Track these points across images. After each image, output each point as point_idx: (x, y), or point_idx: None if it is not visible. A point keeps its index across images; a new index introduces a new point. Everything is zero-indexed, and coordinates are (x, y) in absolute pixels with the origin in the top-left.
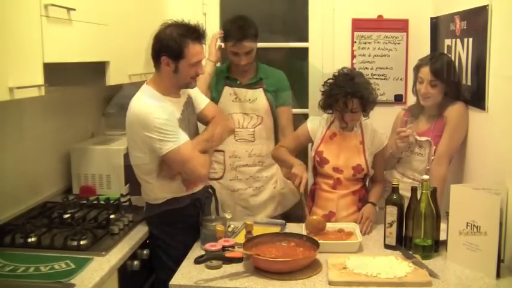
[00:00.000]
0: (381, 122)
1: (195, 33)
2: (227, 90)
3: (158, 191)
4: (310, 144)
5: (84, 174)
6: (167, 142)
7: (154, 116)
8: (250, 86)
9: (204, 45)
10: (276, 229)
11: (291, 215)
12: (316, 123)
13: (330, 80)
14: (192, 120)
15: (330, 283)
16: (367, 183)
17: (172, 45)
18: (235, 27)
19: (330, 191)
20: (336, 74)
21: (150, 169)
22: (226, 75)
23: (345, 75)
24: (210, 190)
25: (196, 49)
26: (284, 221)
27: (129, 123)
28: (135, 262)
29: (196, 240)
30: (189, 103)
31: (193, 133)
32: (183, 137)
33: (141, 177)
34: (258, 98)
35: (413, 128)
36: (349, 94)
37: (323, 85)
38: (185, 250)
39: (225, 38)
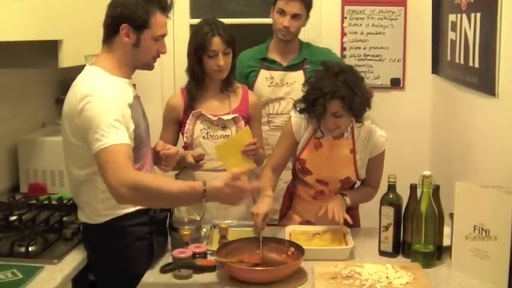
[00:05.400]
0: (374, 110)
1: (162, 2)
2: (263, 74)
3: (100, 204)
4: None
5: (33, 170)
6: (103, 137)
7: (109, 107)
8: (291, 68)
9: (169, 20)
10: (249, 232)
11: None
12: (304, 119)
13: (312, 79)
14: (146, 121)
15: None
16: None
17: (136, 11)
18: None
19: (310, 202)
20: (320, 68)
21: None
22: (264, 56)
23: (326, 71)
24: None
25: (163, 20)
26: None
27: (71, 110)
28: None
29: (149, 268)
30: (139, 100)
31: (146, 130)
32: (122, 137)
33: (80, 186)
34: (297, 81)
35: None
36: (327, 95)
37: (303, 84)
38: (134, 281)
39: None
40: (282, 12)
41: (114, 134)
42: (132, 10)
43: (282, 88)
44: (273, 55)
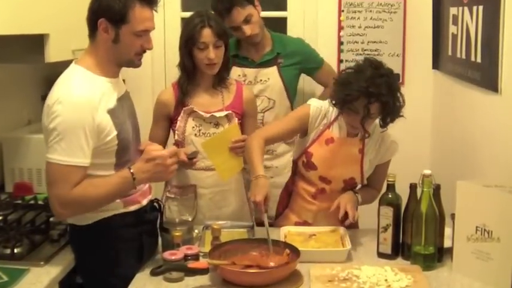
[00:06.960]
0: None
1: None
2: (235, 72)
3: None
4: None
5: (18, 169)
6: (57, 148)
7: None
8: (263, 64)
9: (155, 12)
10: (242, 233)
11: None
12: (322, 111)
13: (350, 70)
14: (134, 120)
15: None
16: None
17: (113, 5)
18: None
19: (309, 201)
20: (361, 62)
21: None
22: (235, 54)
23: (373, 69)
24: (156, 204)
25: (145, 14)
26: (252, 223)
27: (46, 111)
28: None
29: (139, 270)
30: (128, 97)
31: (134, 131)
32: (77, 154)
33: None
34: (271, 77)
35: None
36: (372, 96)
37: (341, 72)
38: (124, 284)
39: (219, 16)
40: (236, 29)
41: (70, 150)
42: (109, 4)
43: (256, 86)
44: (244, 52)
